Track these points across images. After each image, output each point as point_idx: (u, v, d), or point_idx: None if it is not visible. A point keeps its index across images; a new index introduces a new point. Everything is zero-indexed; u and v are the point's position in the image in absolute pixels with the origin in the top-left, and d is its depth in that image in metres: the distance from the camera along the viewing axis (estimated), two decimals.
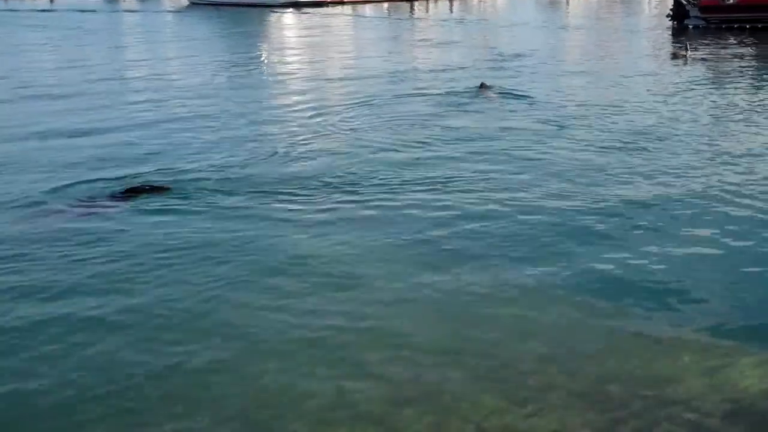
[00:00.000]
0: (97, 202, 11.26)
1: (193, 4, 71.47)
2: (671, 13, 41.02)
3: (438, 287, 8.39)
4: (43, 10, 68.68)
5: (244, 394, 6.50)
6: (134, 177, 12.52)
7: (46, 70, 27.71)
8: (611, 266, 8.86)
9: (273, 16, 57.39)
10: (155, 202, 11.23)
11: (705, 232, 9.84)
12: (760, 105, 18.44)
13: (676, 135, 15.18)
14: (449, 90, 21.04)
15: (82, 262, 9.15)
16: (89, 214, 10.81)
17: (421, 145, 14.57)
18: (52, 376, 6.77)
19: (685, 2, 39.68)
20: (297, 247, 9.48)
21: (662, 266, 8.87)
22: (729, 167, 12.74)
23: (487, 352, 7.11)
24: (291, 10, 63.13)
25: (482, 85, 21.24)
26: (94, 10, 68.31)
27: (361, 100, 19.87)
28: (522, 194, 11.39)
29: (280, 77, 25.97)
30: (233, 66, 28.58)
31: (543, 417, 6.14)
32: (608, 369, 6.79)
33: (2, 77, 25.74)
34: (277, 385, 6.61)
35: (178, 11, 66.31)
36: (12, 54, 34.07)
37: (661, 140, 14.70)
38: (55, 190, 11.95)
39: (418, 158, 13.56)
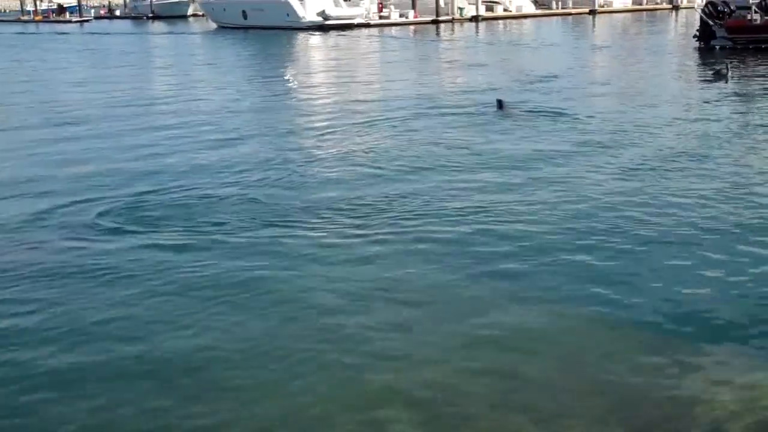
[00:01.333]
0: (94, 235, 11.08)
1: (221, 27, 72.22)
2: (697, 33, 40.86)
3: (472, 317, 8.42)
4: (68, 33, 69.77)
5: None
6: (152, 203, 12.62)
7: (74, 93, 28.09)
8: (641, 288, 8.87)
9: (300, 39, 57.76)
10: (168, 233, 11.11)
11: (735, 256, 9.76)
12: None
13: (714, 158, 14.93)
14: (472, 110, 21.17)
15: (84, 299, 9.03)
16: (86, 246, 10.61)
17: (444, 169, 14.60)
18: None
19: (711, 22, 39.50)
20: (318, 280, 9.33)
21: (692, 288, 8.86)
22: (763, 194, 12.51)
23: (517, 368, 7.16)
24: (318, 32, 63.61)
25: (500, 104, 21.39)
26: (123, 33, 69.30)
27: (385, 121, 20.05)
28: (547, 220, 11.38)
29: (307, 99, 26.15)
30: (260, 89, 28.84)
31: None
32: (638, 387, 6.80)
33: (34, 101, 26.11)
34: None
35: (205, 33, 67.03)
36: (43, 77, 34.50)
37: (699, 162, 14.59)
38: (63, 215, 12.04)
39: (441, 183, 13.53)
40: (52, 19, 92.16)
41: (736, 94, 24.11)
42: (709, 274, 9.21)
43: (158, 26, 79.81)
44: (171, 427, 6.42)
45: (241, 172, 14.73)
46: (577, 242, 10.31)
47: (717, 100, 22.70)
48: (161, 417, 6.55)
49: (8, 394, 6.94)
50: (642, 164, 14.52)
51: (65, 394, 6.90)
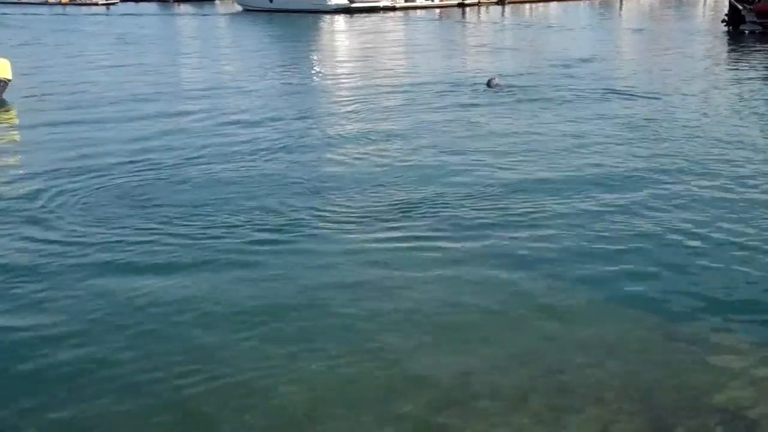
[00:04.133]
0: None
1: (246, 10, 72.19)
2: (726, 18, 40.37)
3: (491, 304, 8.43)
4: (95, 15, 70.12)
5: None
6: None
7: (100, 77, 28.11)
8: (662, 275, 8.84)
9: (325, 22, 57.62)
10: (180, 224, 10.93)
11: (758, 244, 9.68)
12: None
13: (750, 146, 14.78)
14: (497, 93, 21.11)
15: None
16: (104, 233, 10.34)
17: (469, 153, 14.59)
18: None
19: (740, 7, 38.99)
20: (344, 275, 9.16)
21: (713, 275, 8.80)
22: None
23: (536, 359, 7.14)
24: (343, 15, 63.47)
25: (489, 83, 21.47)
26: (150, 15, 69.46)
27: (407, 106, 20.04)
28: (566, 204, 11.37)
29: (331, 83, 26.10)
30: (284, 71, 28.78)
31: (591, 423, 6.15)
32: (658, 376, 6.78)
33: (58, 84, 26.23)
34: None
35: (231, 16, 67.03)
36: (69, 60, 34.61)
37: (730, 151, 14.46)
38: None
39: (465, 170, 13.51)
40: (78, 2, 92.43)
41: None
42: (734, 265, 9.10)
43: (184, 9, 79.94)
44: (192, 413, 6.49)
45: (263, 154, 14.72)
46: (598, 231, 10.23)
47: (748, 86, 22.45)
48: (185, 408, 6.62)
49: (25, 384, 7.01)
50: (664, 153, 14.44)
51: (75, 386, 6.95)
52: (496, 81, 22.13)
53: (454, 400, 6.50)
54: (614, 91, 21.23)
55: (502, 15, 62.66)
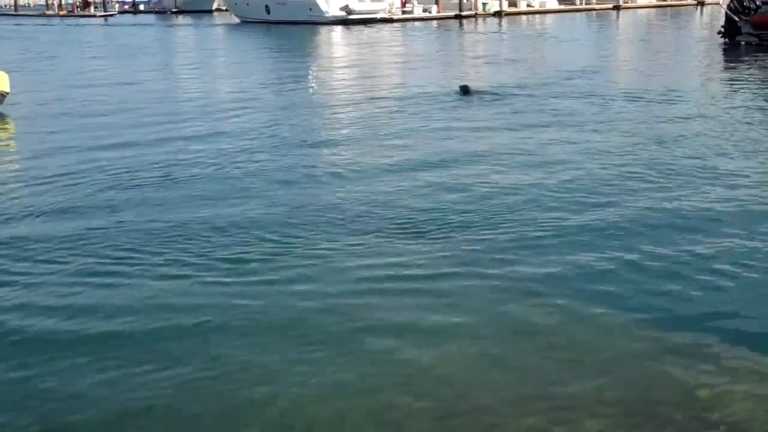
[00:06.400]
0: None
1: (245, 21, 72.44)
2: (722, 30, 40.44)
3: (483, 312, 8.43)
4: (93, 25, 70.35)
5: None
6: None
7: (98, 89, 28.14)
8: (661, 287, 8.80)
9: (323, 34, 57.73)
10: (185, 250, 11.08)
11: (758, 259, 9.66)
12: None
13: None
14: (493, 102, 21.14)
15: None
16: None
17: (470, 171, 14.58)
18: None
19: (737, 18, 39.08)
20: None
21: (710, 288, 8.77)
22: None
23: (535, 372, 7.11)
24: (340, 27, 63.67)
25: (464, 89, 21.59)
26: (147, 25, 69.69)
27: (406, 119, 19.98)
28: (561, 216, 11.33)
29: (328, 94, 26.10)
30: (280, 84, 28.80)
31: None
32: (653, 389, 6.75)
33: (54, 95, 26.25)
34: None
35: (229, 28, 67.26)
36: (70, 70, 34.67)
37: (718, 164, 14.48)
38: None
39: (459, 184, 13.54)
40: (76, 13, 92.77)
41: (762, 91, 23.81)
42: (728, 273, 9.08)
43: (182, 20, 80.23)
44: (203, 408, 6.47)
45: (255, 167, 14.63)
46: (595, 243, 10.17)
47: (746, 97, 22.48)
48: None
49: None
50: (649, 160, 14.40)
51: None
52: (469, 87, 22.18)
53: (453, 410, 6.47)
54: (611, 101, 21.18)
55: (499, 26, 62.88)
